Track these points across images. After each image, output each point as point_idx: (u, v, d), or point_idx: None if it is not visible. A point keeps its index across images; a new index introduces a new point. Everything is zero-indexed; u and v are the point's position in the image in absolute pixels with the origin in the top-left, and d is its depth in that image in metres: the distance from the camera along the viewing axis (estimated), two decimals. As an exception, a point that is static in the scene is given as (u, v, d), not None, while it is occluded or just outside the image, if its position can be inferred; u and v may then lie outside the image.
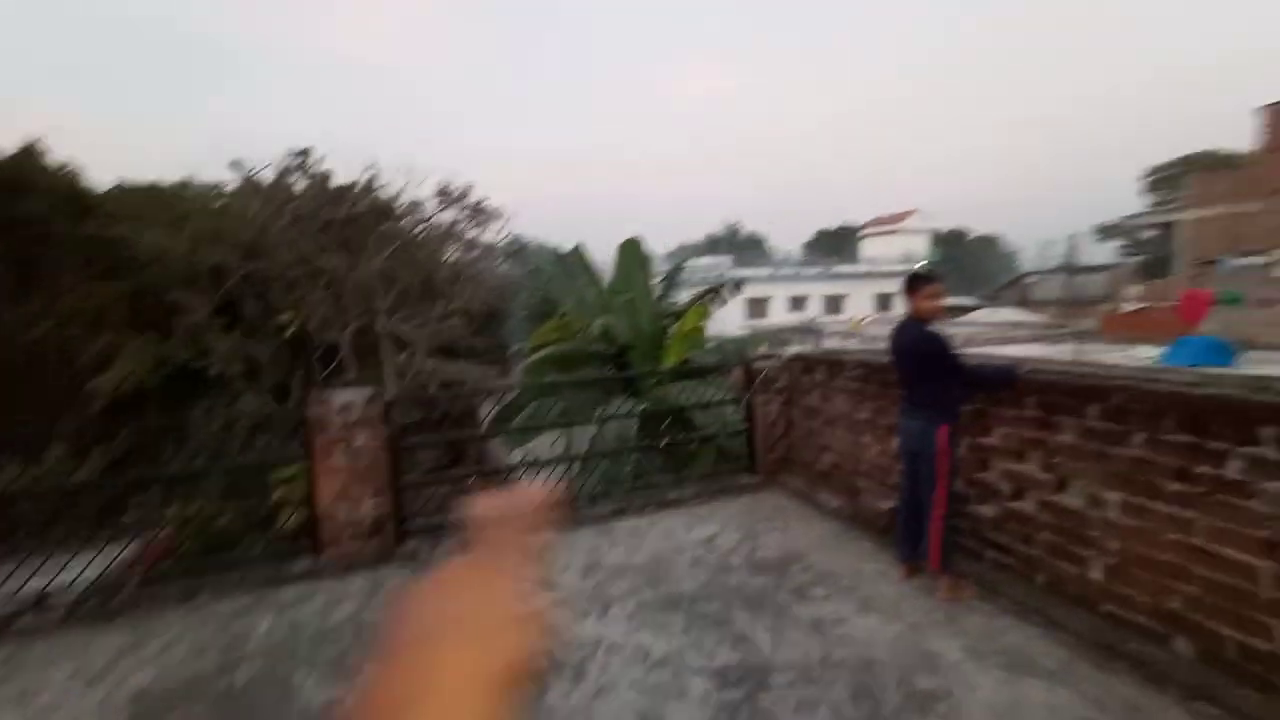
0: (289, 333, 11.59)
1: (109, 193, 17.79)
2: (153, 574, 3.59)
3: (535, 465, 4.87)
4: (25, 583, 3.38)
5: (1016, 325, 23.72)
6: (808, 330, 26.98)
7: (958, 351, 3.19)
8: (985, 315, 32.33)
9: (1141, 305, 17.62)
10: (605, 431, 7.27)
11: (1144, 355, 12.12)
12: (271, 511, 7.37)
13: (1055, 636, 2.79)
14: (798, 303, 34.26)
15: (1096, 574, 2.80)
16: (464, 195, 15.94)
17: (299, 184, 13.87)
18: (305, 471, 3.87)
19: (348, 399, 3.77)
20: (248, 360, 11.85)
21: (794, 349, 5.44)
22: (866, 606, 3.14)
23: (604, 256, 12.05)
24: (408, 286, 13.11)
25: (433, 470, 8.65)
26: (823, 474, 4.77)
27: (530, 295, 14.13)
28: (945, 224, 50.70)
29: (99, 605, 3.43)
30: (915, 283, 3.37)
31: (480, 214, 16.83)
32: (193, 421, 9.64)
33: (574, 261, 11.42)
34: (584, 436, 7.38)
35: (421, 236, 14.86)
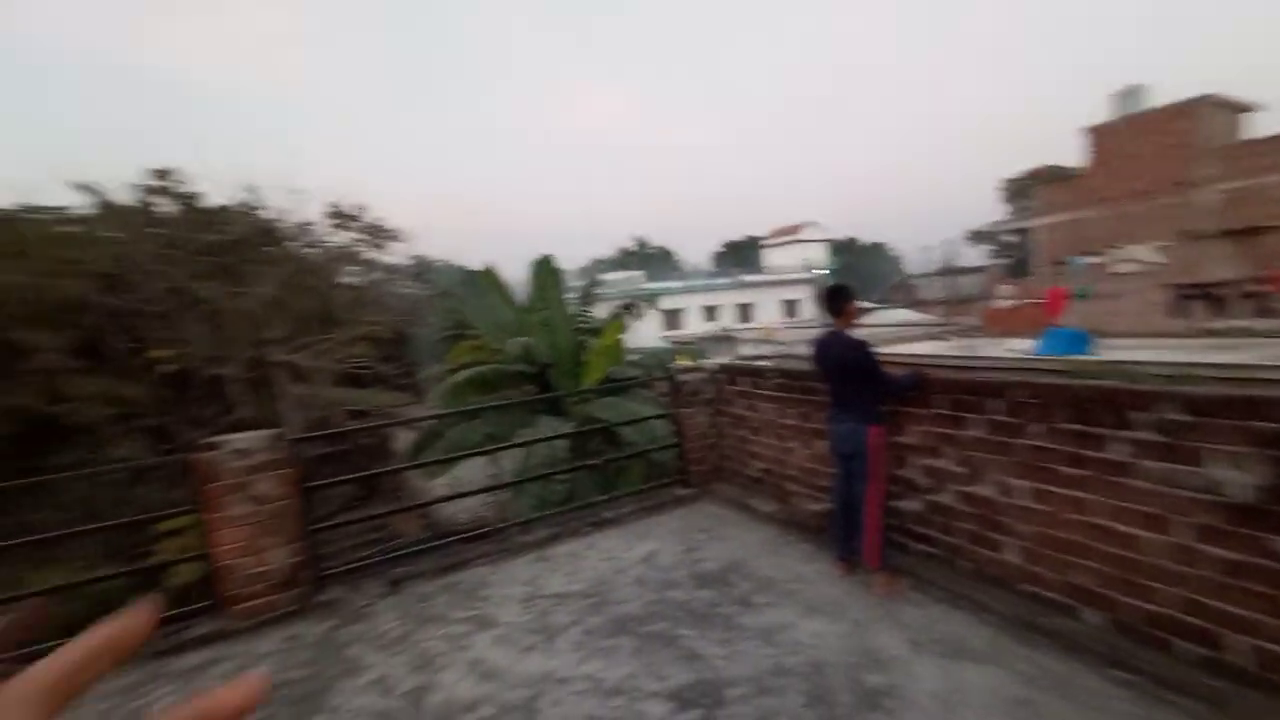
0: (166, 370, 10.41)
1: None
2: (23, 652, 3.04)
3: (460, 495, 4.63)
4: None
5: (909, 324, 25.69)
6: (724, 339, 27.82)
7: (879, 359, 3.37)
8: (880, 316, 34.78)
9: (1012, 302, 19.58)
10: (533, 453, 7.07)
11: (1020, 346, 13.50)
12: (159, 570, 6.55)
13: (982, 619, 2.98)
14: (710, 312, 35.25)
15: (1012, 556, 3.03)
16: (358, 215, 15.14)
17: (164, 207, 12.61)
18: (200, 525, 3.45)
19: (246, 443, 3.41)
20: (118, 402, 10.52)
21: (714, 359, 5.55)
22: (811, 610, 3.22)
23: (514, 276, 11.84)
24: (303, 313, 12.22)
25: (345, 508, 8.04)
26: (754, 480, 4.88)
27: (441, 317, 13.60)
28: (838, 233, 54.22)
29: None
30: (840, 297, 3.52)
31: (379, 234, 16.03)
32: (54, 478, 8.38)
33: (485, 281, 11.11)
34: (513, 461, 7.14)
35: (314, 259, 13.92)
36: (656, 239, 69.49)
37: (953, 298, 32.80)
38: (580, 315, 11.78)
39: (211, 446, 3.42)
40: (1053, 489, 2.82)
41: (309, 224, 13.75)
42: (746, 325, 32.91)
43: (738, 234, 64.83)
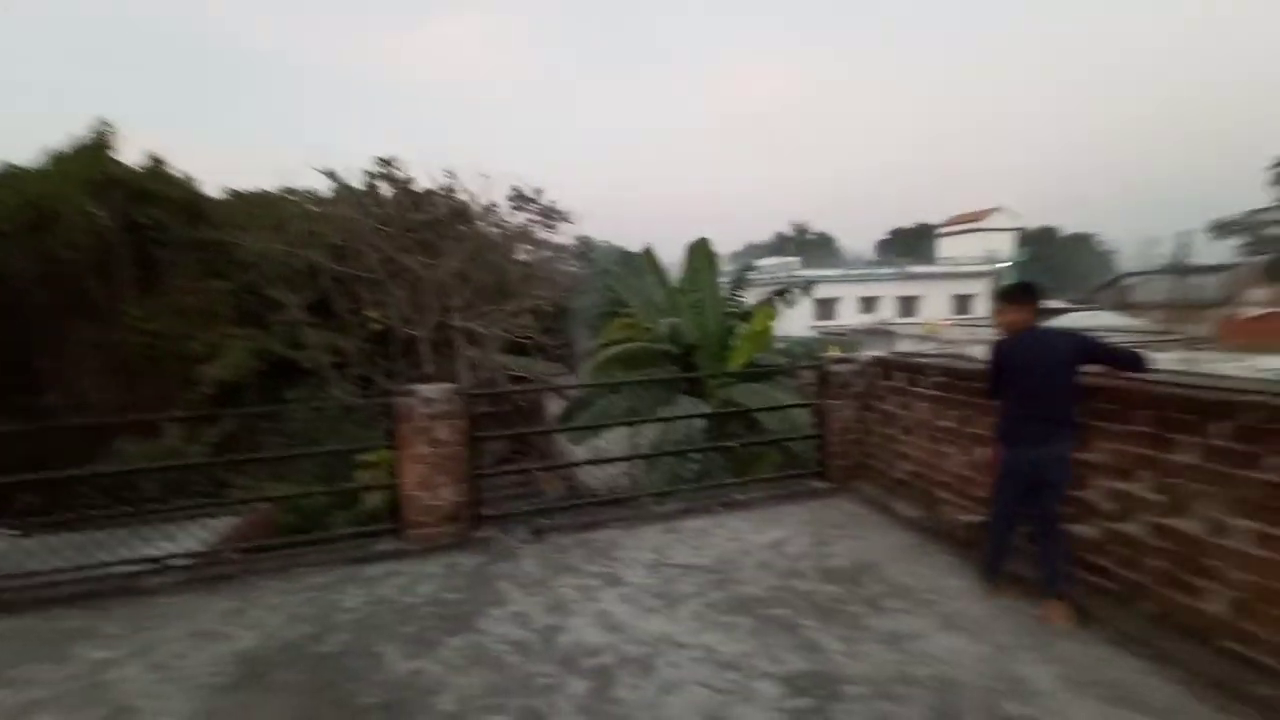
0: (374, 328, 12.30)
1: (220, 201, 19.46)
2: (254, 546, 3.90)
3: (601, 460, 4.93)
4: (148, 546, 3.76)
5: (1107, 330, 21.90)
6: (879, 332, 25.98)
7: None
8: (1078, 319, 30.06)
9: (1266, 310, 15.86)
10: (671, 430, 7.28)
11: (1269, 366, 10.89)
12: (355, 494, 7.84)
13: (1165, 672, 2.56)
14: (869, 304, 33.03)
15: (1217, 606, 2.55)
16: (536, 198, 16.41)
17: (384, 190, 14.70)
18: (391, 458, 4.10)
19: (431, 393, 3.96)
20: (337, 353, 12.66)
21: (866, 352, 5.25)
22: (949, 624, 3.00)
23: (671, 257, 12.07)
24: (481, 285, 13.63)
25: (501, 462, 8.94)
26: (899, 482, 4.58)
27: (598, 295, 14.34)
28: (1032, 221, 47.51)
29: (209, 571, 3.77)
30: (1028, 293, 3.21)
31: (551, 215, 17.28)
32: (288, 409, 10.43)
33: (642, 262, 11.50)
34: (652, 435, 7.43)
35: (495, 237, 15.40)
36: (818, 224, 66.42)
37: (1179, 300, 27.26)
38: (731, 299, 11.75)
39: (406, 393, 4.02)
40: (1282, 534, 2.31)
41: (494, 205, 15.25)
42: (908, 319, 30.34)
43: (909, 220, 59.69)
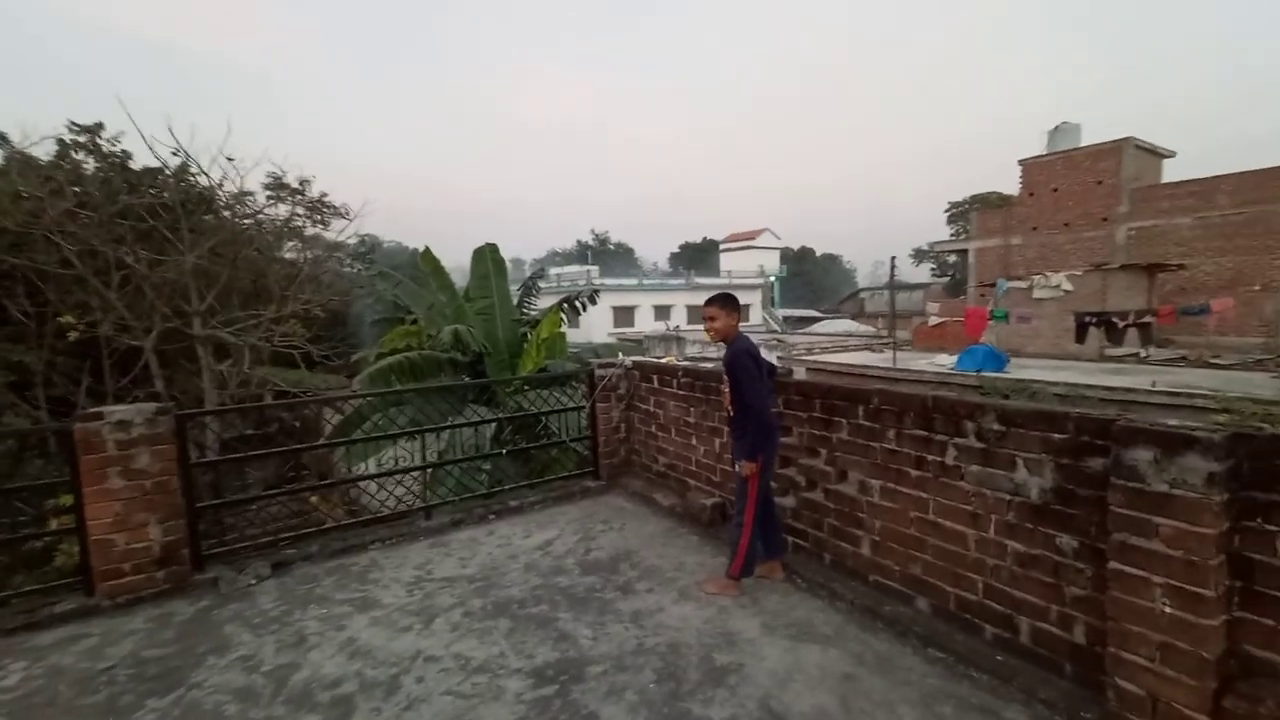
0: (72, 337, 9.83)
1: None
2: None
3: (382, 475, 4.63)
4: None
5: (850, 335, 26.65)
6: (671, 338, 28.11)
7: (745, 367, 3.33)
8: (827, 326, 35.87)
9: (941, 320, 20.58)
10: (456, 440, 7.07)
11: (945, 361, 14.24)
12: (47, 548, 6.25)
13: (835, 606, 3.22)
14: (664, 311, 35.58)
15: (865, 549, 3.28)
16: (302, 189, 14.64)
17: (87, 164, 11.90)
18: (82, 496, 3.36)
19: (126, 414, 3.33)
20: (16, 369, 9.89)
21: (636, 357, 5.70)
22: (683, 596, 3.39)
23: (464, 262, 11.71)
24: (232, 286, 11.73)
25: (272, 487, 7.80)
26: (659, 475, 5.05)
27: (378, 300, 13.32)
28: (793, 242, 55.50)
29: None
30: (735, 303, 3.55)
31: (322, 209, 15.54)
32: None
33: (426, 265, 10.97)
34: (437, 446, 7.12)
35: (250, 231, 13.37)
36: (617, 235, 69.55)
37: (892, 312, 34.16)
38: (522, 306, 11.76)
39: (89, 417, 3.33)
40: (901, 488, 3.07)
41: (247, 193, 13.18)
42: (697, 326, 33.39)
43: (696, 236, 65.61)
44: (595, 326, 31.51)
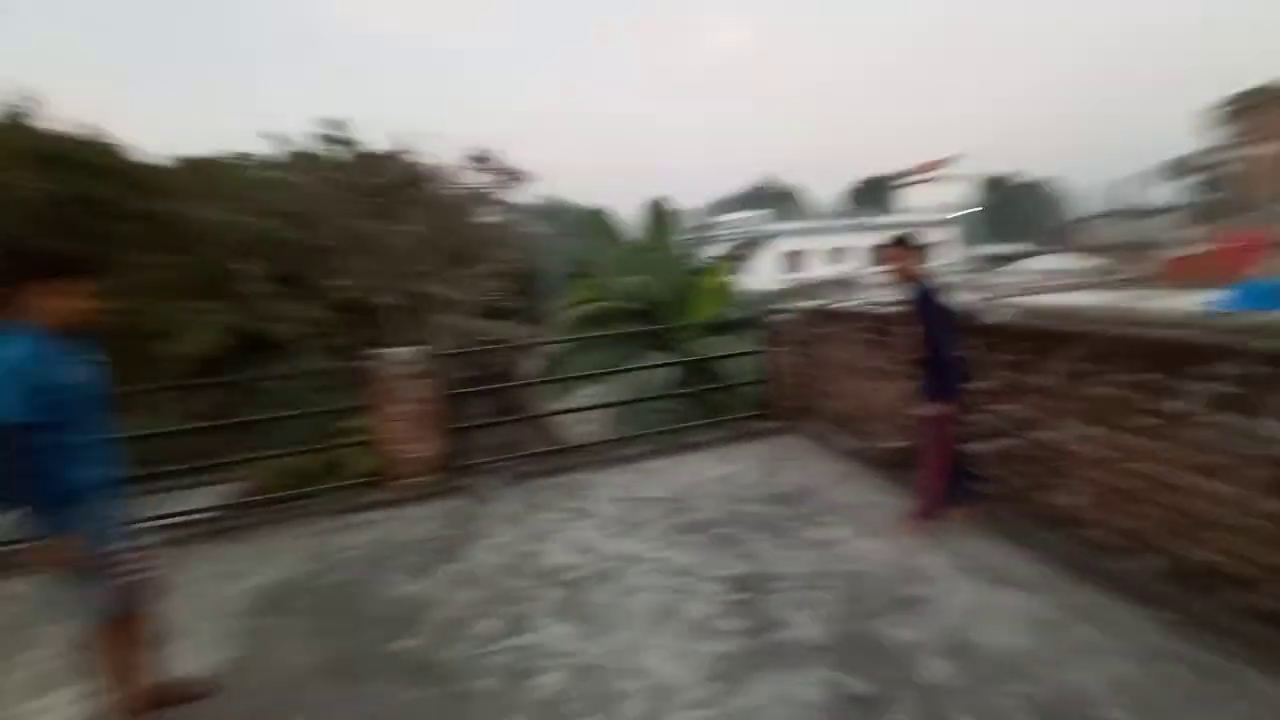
0: (342, 297, 12.33)
1: (170, 171, 18.72)
2: (258, 503, 4.25)
3: (568, 410, 5.34)
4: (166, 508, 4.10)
5: (1062, 273, 22.91)
6: (846, 283, 26.61)
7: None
8: (1032, 263, 31.17)
9: (1201, 249, 16.83)
10: (637, 382, 7.72)
11: (1202, 300, 11.78)
12: (342, 457, 8.19)
13: (1041, 557, 3.11)
14: (835, 254, 33.66)
15: (1077, 501, 3.11)
16: (495, 159, 16.25)
17: (339, 154, 14.43)
18: (373, 418, 4.45)
19: (405, 355, 4.29)
20: (308, 323, 12.69)
21: (811, 302, 5.70)
22: (869, 531, 3.53)
23: (636, 216, 12.26)
24: (446, 250, 13.66)
25: (485, 419, 9.30)
26: (838, 418, 5.11)
27: (564, 257, 14.50)
28: (988, 169, 48.31)
29: (225, 525, 4.14)
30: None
31: (512, 176, 17.14)
32: (267, 380, 10.56)
33: (602, 222, 11.70)
34: (620, 388, 7.86)
35: (454, 200, 15.30)
36: (786, 178, 66.22)
37: (1130, 243, 28.47)
38: (691, 256, 12.07)
39: (379, 356, 4.34)
40: (1126, 438, 2.85)
41: (452, 167, 15.07)
42: (876, 269, 31.10)
43: (873, 172, 60.07)
44: (765, 274, 30.94)
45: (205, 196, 13.94)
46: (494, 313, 14.57)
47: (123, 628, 2.20)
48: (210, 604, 3.17)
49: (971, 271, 29.86)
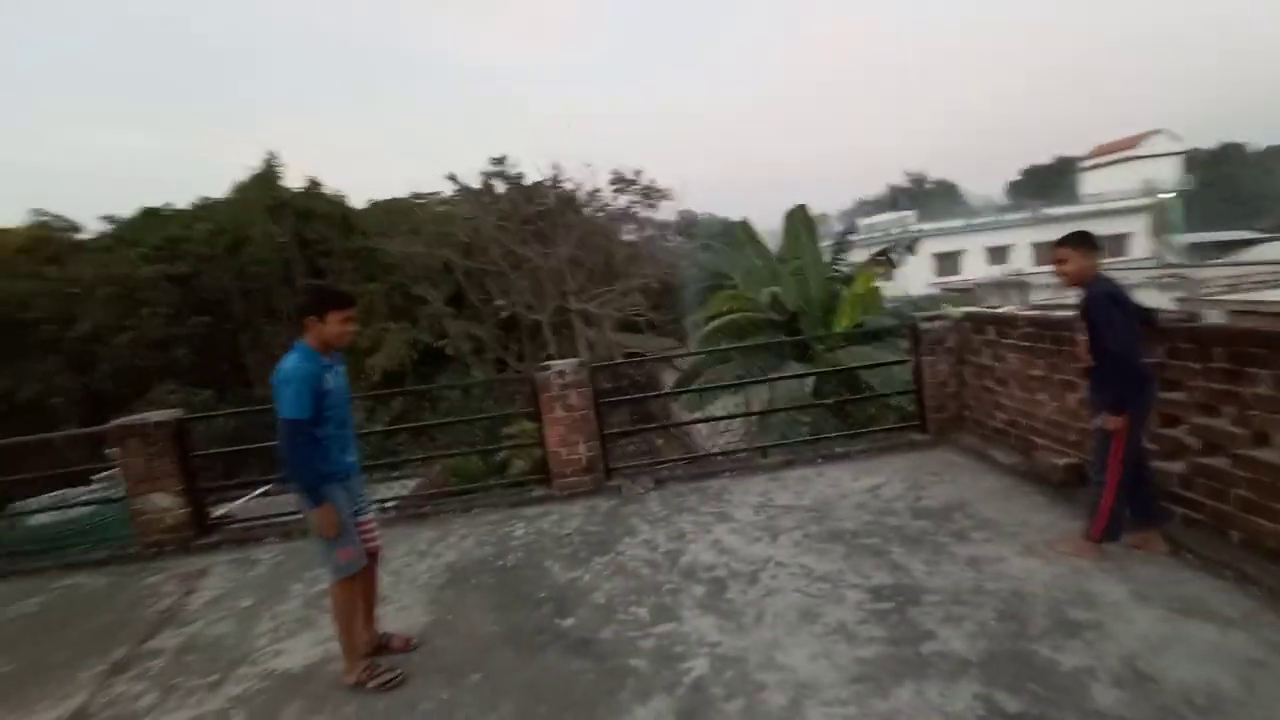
0: (502, 316, 13.77)
1: (364, 210, 22.08)
2: (442, 493, 4.98)
3: (713, 420, 5.55)
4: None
5: (1309, 262, 18.65)
6: (1010, 284, 24.01)
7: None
8: (1268, 251, 25.77)
9: None
10: (776, 392, 7.73)
11: None
12: (507, 460, 9.18)
13: (1244, 589, 2.75)
14: (997, 254, 30.44)
15: (1295, 528, 2.69)
16: (635, 179, 17.09)
17: (500, 187, 16.11)
18: (528, 427, 5.01)
19: (564, 366, 4.79)
20: (473, 339, 14.31)
21: (967, 308, 5.38)
22: (1029, 551, 3.31)
23: (775, 223, 12.24)
24: (592, 268, 14.64)
25: (629, 427, 9.91)
26: (997, 431, 4.78)
27: (701, 269, 14.80)
28: (1206, 140, 40.65)
29: (411, 512, 4.91)
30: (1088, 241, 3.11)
31: (651, 194, 17.90)
32: (441, 389, 12.12)
33: (740, 234, 11.82)
34: (758, 398, 7.93)
35: (601, 221, 16.33)
36: (937, 172, 61.24)
37: None
38: (834, 263, 11.77)
39: (543, 368, 4.89)
40: (1360, 458, 2.44)
41: (597, 190, 16.18)
42: (1045, 268, 27.63)
43: (1044, 158, 53.38)
44: (914, 277, 28.81)
45: (392, 233, 16.33)
46: (635, 326, 15.30)
47: (356, 584, 2.79)
48: (408, 576, 3.83)
49: (1173, 265, 25.41)
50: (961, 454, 4.91)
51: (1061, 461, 4.00)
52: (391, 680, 2.74)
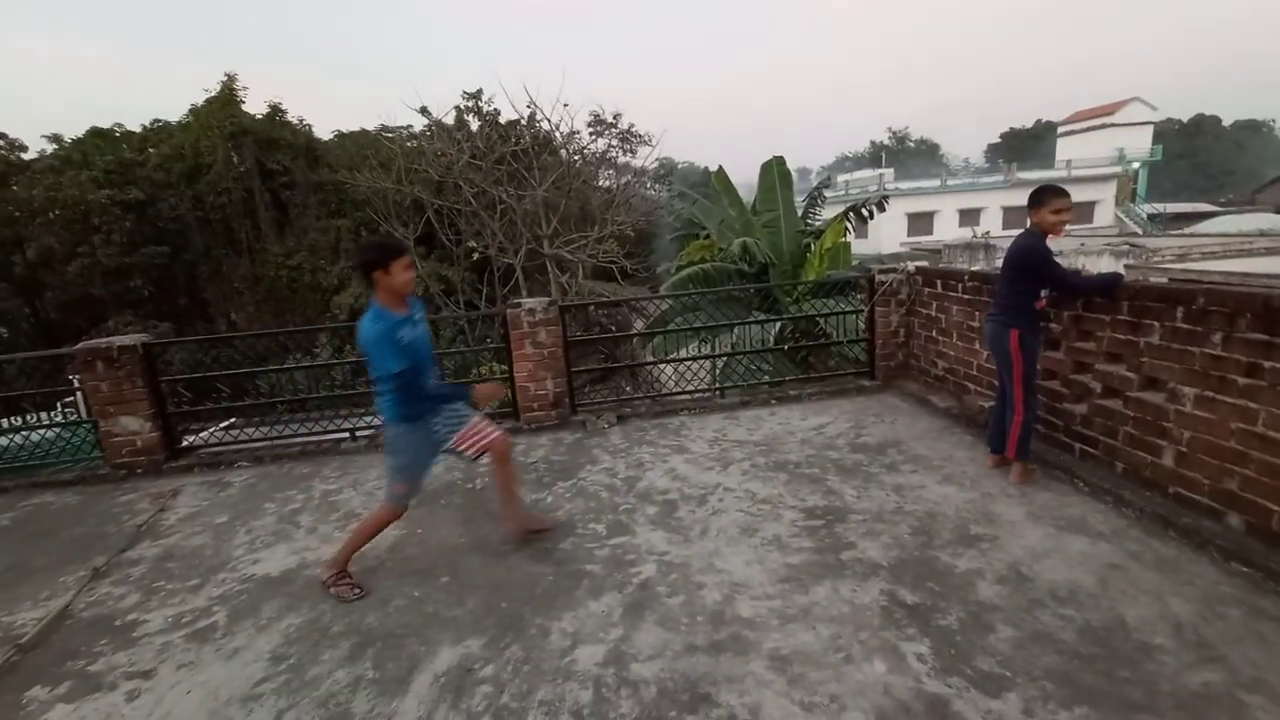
0: (474, 258, 13.64)
1: (330, 142, 21.17)
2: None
3: (676, 362, 5.81)
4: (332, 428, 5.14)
5: (1257, 236, 19.53)
6: (977, 245, 24.54)
7: (1043, 261, 3.33)
8: (1222, 224, 26.76)
9: None
10: (740, 339, 8.02)
11: None
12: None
13: (1119, 511, 3.17)
14: (969, 215, 30.94)
15: (1167, 460, 3.09)
16: (615, 122, 16.75)
17: (474, 123, 15.64)
18: (505, 358, 5.20)
19: (534, 304, 4.94)
20: (443, 281, 14.19)
21: (920, 263, 5.66)
22: (947, 480, 3.70)
23: (751, 177, 12.27)
24: (567, 213, 14.51)
25: (597, 367, 10.17)
26: (938, 378, 5.15)
27: (676, 218, 14.81)
28: (1181, 111, 41.24)
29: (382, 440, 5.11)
30: (1040, 196, 3.36)
31: (630, 139, 17.61)
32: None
33: (717, 182, 11.84)
34: (721, 344, 8.21)
35: (578, 165, 16.07)
36: (920, 131, 60.97)
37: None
38: (807, 217, 11.93)
39: (514, 305, 5.04)
40: (1223, 397, 2.80)
41: (575, 132, 15.85)
42: (1014, 231, 28.25)
43: (1024, 121, 53.54)
44: (886, 235, 29.21)
45: (360, 167, 15.81)
46: (608, 274, 15.33)
47: (397, 515, 3.10)
48: (380, 497, 4.03)
49: (1132, 234, 26.25)
50: (904, 399, 5.28)
51: (989, 404, 4.38)
52: (352, 598, 2.94)
